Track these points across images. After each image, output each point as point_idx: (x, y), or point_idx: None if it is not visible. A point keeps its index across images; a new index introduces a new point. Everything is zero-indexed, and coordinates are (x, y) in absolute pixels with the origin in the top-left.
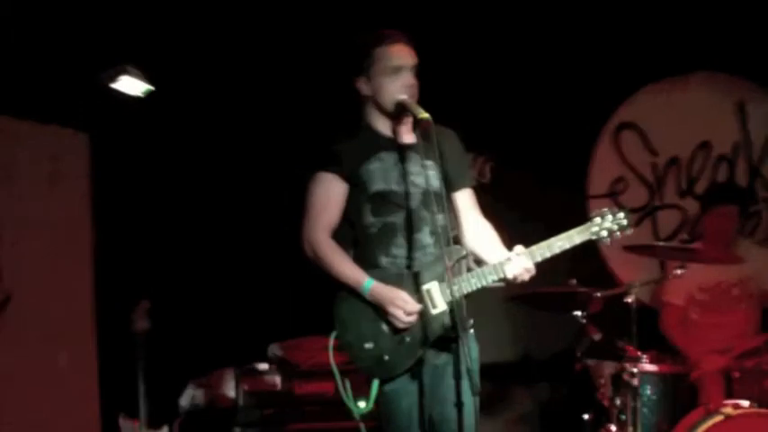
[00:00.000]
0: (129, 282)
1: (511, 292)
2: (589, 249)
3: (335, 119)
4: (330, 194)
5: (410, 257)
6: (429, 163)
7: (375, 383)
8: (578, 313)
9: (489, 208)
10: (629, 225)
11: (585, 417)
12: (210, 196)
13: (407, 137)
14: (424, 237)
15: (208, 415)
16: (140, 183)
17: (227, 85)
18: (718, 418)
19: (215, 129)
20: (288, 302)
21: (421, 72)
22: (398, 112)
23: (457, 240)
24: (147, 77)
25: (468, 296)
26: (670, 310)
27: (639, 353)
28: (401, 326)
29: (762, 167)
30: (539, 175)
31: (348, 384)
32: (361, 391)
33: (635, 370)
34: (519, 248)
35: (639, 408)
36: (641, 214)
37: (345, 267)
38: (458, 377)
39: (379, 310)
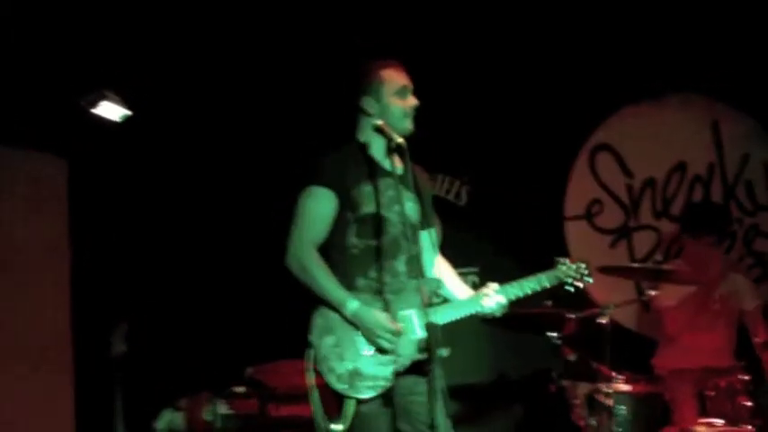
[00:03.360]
0: (107, 305)
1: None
2: None
3: (313, 140)
4: (321, 209)
5: (385, 282)
6: (410, 195)
7: (351, 403)
8: (553, 334)
9: (465, 230)
10: (590, 275)
11: None
12: (187, 220)
13: (397, 165)
14: (400, 264)
15: None
16: (118, 207)
17: (205, 109)
18: None
19: (191, 154)
20: (264, 326)
21: None
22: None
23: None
24: (125, 103)
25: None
26: (673, 314)
27: (614, 373)
28: (387, 347)
29: (736, 188)
30: (515, 197)
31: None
32: (333, 413)
33: (609, 390)
34: (494, 285)
35: (614, 428)
36: (617, 236)
37: (330, 284)
38: (432, 400)
39: (357, 331)
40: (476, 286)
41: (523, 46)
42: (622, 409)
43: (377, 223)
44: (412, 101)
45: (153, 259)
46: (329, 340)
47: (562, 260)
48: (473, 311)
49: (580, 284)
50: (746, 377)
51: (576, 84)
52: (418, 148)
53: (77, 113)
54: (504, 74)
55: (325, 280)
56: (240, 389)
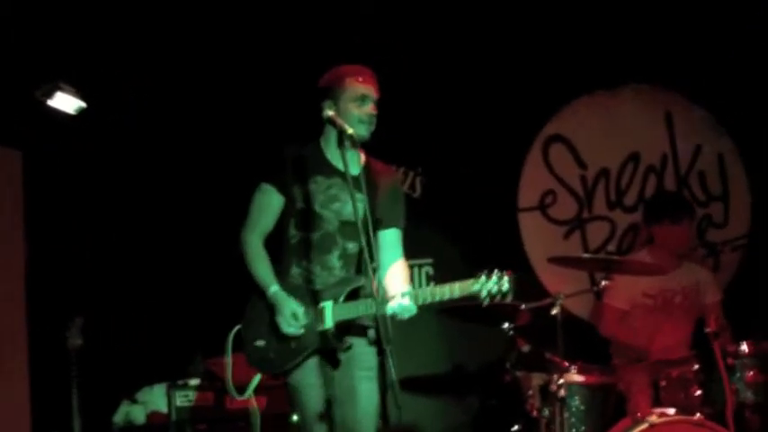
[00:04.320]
0: (63, 298)
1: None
2: (519, 261)
3: (268, 133)
4: (267, 204)
5: (314, 273)
6: (360, 196)
7: (257, 377)
8: (506, 325)
9: (419, 221)
10: (509, 290)
11: (515, 428)
12: (142, 212)
13: (352, 167)
14: (332, 259)
15: (141, 431)
16: (73, 200)
17: (160, 102)
18: (644, 426)
19: (146, 146)
20: (222, 318)
21: None
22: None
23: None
24: (80, 95)
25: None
26: (611, 313)
27: (567, 364)
28: (286, 331)
29: (689, 178)
30: (469, 189)
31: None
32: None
33: (562, 381)
34: (407, 290)
35: (568, 418)
36: (570, 227)
37: (261, 269)
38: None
39: (274, 314)
40: (430, 278)
41: (477, 37)
42: (576, 400)
43: (311, 218)
44: (370, 110)
45: (109, 252)
46: (254, 319)
47: (484, 273)
48: (380, 312)
49: (497, 299)
50: (698, 367)
51: (529, 75)
52: (373, 140)
53: (32, 105)
54: (459, 65)
55: (258, 264)
56: (196, 381)
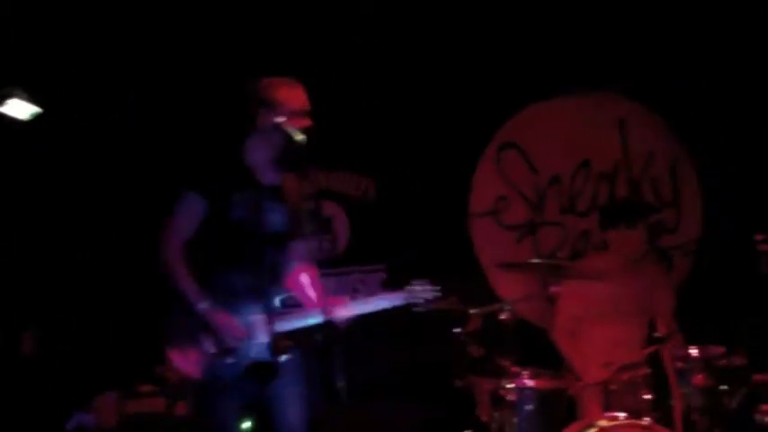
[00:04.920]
0: (16, 308)
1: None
2: (471, 267)
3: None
4: (190, 213)
5: (243, 286)
6: (279, 206)
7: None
8: (458, 330)
9: (373, 227)
10: (432, 298)
11: None
12: (95, 220)
13: (274, 177)
14: (258, 271)
15: None
16: (26, 207)
17: (112, 109)
18: (593, 430)
19: (99, 152)
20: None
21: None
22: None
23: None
24: (34, 100)
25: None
26: (562, 319)
27: (518, 369)
28: (230, 347)
29: (642, 185)
30: (422, 194)
31: None
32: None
33: (513, 386)
34: (343, 299)
35: (519, 423)
36: (522, 232)
37: (188, 283)
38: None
39: (207, 329)
40: (383, 283)
41: (432, 43)
42: (526, 405)
43: (241, 230)
44: (305, 122)
45: (62, 260)
46: (182, 332)
47: (416, 281)
48: (318, 321)
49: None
50: (648, 371)
51: (483, 81)
52: (328, 145)
53: None
54: (413, 71)
55: (185, 278)
56: (147, 388)
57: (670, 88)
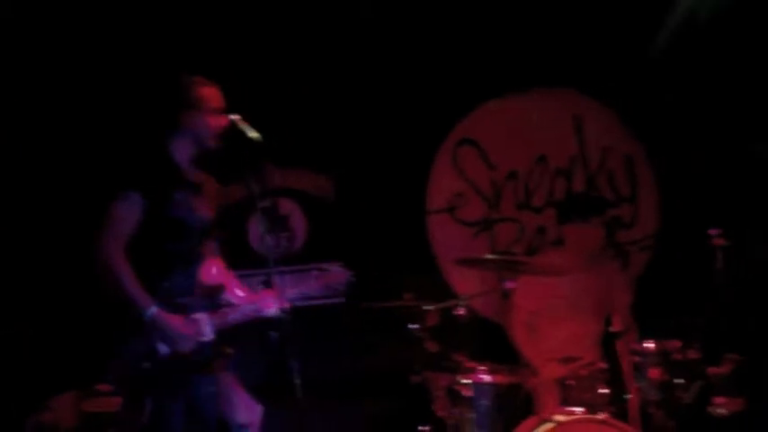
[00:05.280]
0: None
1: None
2: (427, 262)
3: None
4: (130, 214)
5: (185, 286)
6: (206, 203)
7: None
8: (414, 326)
9: (330, 224)
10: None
11: (423, 429)
12: (44, 219)
13: (198, 175)
14: (196, 269)
15: None
16: None
17: (33, 109)
18: (550, 425)
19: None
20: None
21: (263, 90)
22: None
23: None
24: None
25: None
26: (519, 315)
27: (475, 364)
28: (183, 350)
29: (598, 180)
30: (379, 191)
31: None
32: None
33: (469, 381)
34: (276, 291)
35: (475, 418)
36: (479, 228)
37: (134, 287)
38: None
39: (154, 333)
40: None
41: (388, 40)
42: (483, 400)
43: (180, 229)
44: (224, 120)
45: (12, 259)
46: (130, 339)
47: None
48: (255, 314)
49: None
50: (604, 366)
51: (439, 78)
52: (286, 144)
53: None
54: (369, 69)
55: (129, 282)
56: (106, 387)
57: (624, 84)
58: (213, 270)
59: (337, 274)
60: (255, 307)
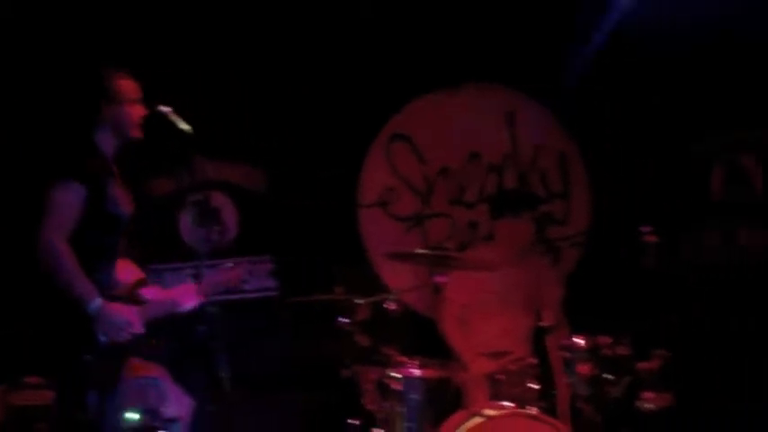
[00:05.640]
0: None
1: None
2: (359, 257)
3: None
4: (74, 203)
5: (109, 280)
6: (126, 195)
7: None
8: (344, 320)
9: (261, 217)
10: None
11: (353, 422)
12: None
13: (120, 167)
14: (116, 264)
15: None
16: None
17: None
18: (479, 419)
19: None
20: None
21: (194, 82)
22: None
23: None
24: None
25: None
26: (450, 309)
27: (405, 358)
28: (123, 340)
29: (530, 176)
30: (311, 185)
31: None
32: None
33: (399, 375)
34: (192, 286)
35: (405, 412)
36: (411, 223)
37: (79, 278)
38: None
39: (96, 325)
40: (271, 273)
41: (321, 35)
42: (413, 394)
43: (111, 222)
44: (142, 110)
45: None
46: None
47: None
48: (175, 309)
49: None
50: (534, 361)
51: (372, 73)
52: (217, 136)
53: None
54: (303, 62)
55: (74, 273)
56: (34, 380)
57: (557, 81)
58: (127, 266)
59: (232, 271)
60: (173, 302)
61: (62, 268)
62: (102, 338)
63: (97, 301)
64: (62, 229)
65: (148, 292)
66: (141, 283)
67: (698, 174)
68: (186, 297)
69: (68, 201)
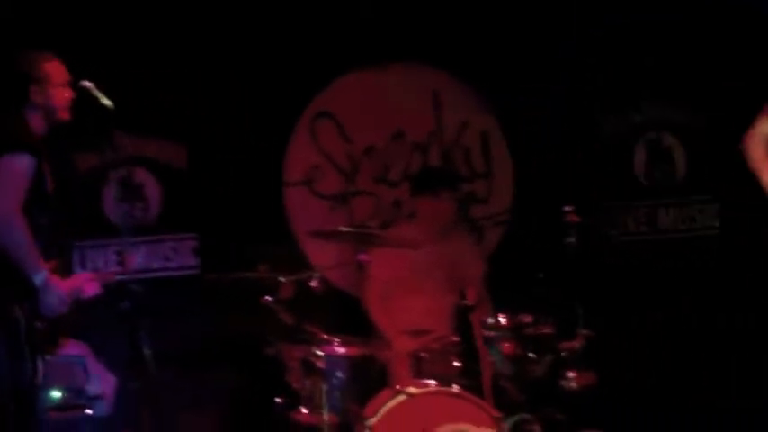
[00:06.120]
0: None
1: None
2: (283, 235)
3: None
4: (27, 174)
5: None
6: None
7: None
8: (268, 298)
9: (185, 195)
10: None
11: (277, 400)
12: None
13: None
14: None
15: None
16: None
17: None
18: (402, 397)
19: None
20: None
21: (117, 57)
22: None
23: None
24: None
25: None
26: (373, 287)
27: (329, 336)
28: (58, 311)
29: (454, 155)
30: (235, 162)
31: None
32: None
33: (323, 353)
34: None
35: (328, 390)
36: (336, 201)
37: (32, 248)
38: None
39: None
40: (195, 252)
41: (246, 11)
42: (336, 372)
43: (43, 201)
44: (70, 94)
45: None
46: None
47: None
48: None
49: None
50: (457, 339)
51: (297, 50)
52: (137, 111)
53: None
54: (228, 38)
55: (30, 245)
56: None
57: (482, 60)
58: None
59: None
60: (78, 289)
61: (21, 239)
62: (45, 310)
63: (44, 273)
64: (17, 196)
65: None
66: (57, 267)
67: (621, 153)
68: (87, 285)
69: (23, 171)
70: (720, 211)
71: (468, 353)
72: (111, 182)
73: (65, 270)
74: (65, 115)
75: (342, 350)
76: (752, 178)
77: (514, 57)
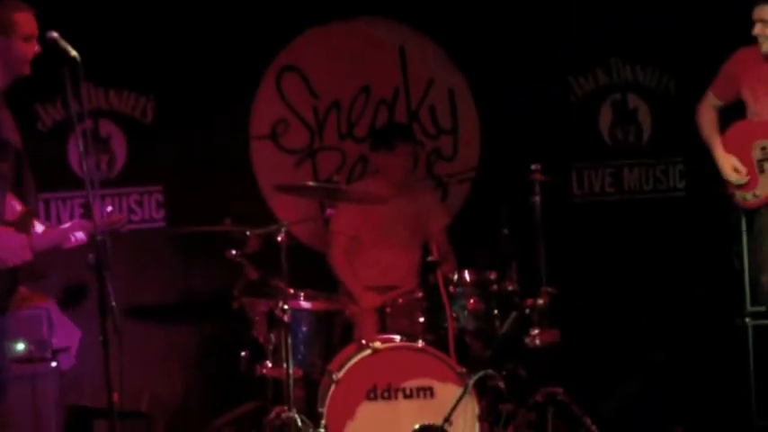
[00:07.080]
0: None
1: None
2: (249, 189)
3: None
4: None
5: (2, 206)
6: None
7: None
8: (234, 252)
9: (151, 148)
10: None
11: (242, 354)
12: None
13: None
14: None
15: None
16: None
17: None
18: (367, 352)
19: None
20: None
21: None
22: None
23: None
24: None
25: None
26: (338, 242)
27: (294, 290)
28: (15, 264)
29: (420, 112)
30: (201, 115)
31: None
32: None
33: (286, 307)
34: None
35: (293, 344)
36: (302, 156)
37: None
38: None
39: None
40: (160, 205)
41: None
42: (301, 326)
43: (3, 148)
44: (35, 48)
45: None
46: None
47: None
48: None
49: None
50: (421, 294)
51: (263, 3)
52: (103, 64)
53: None
54: None
55: None
56: None
57: (449, 16)
58: (12, 198)
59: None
60: (62, 236)
61: None
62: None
63: None
64: None
65: (36, 225)
66: (30, 214)
67: (587, 113)
68: (75, 232)
69: None
70: (685, 172)
71: (433, 308)
72: (76, 134)
73: (32, 219)
74: (25, 69)
75: (307, 304)
76: None
77: (481, 13)
